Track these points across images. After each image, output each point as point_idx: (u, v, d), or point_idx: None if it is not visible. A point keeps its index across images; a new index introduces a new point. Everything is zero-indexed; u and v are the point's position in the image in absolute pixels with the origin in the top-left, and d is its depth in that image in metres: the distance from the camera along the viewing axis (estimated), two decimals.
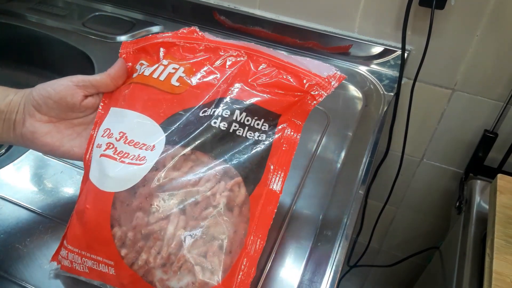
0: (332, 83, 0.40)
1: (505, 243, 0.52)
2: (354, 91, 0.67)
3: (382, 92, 0.67)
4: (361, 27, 0.68)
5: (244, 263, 0.36)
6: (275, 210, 0.37)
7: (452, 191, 0.83)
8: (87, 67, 0.71)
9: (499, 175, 0.60)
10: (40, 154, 0.52)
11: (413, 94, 0.68)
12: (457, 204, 0.73)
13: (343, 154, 0.55)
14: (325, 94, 0.40)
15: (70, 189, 0.49)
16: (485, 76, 0.66)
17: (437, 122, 0.74)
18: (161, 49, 0.44)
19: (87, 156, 0.41)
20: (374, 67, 0.70)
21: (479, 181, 0.72)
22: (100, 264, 0.37)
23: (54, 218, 0.45)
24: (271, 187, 0.38)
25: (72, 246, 0.38)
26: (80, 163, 0.51)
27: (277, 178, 0.38)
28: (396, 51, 0.67)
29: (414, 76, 0.67)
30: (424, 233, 0.95)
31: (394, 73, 0.69)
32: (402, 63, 0.66)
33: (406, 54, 0.66)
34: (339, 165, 0.54)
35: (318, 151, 0.55)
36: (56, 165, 0.51)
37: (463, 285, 0.58)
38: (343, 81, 0.68)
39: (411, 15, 0.62)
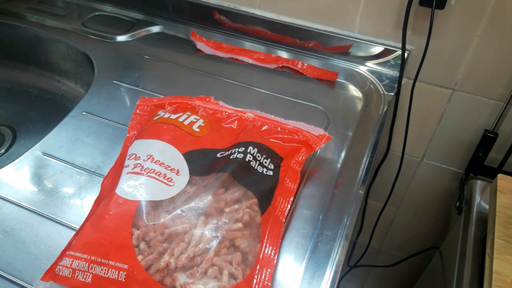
0: (322, 140, 0.49)
1: (506, 243, 0.52)
2: (354, 91, 0.67)
3: (382, 92, 0.67)
4: (361, 27, 0.68)
5: (260, 273, 0.39)
6: (282, 229, 0.43)
7: (452, 191, 0.83)
8: (87, 67, 0.71)
9: (499, 175, 0.60)
10: (40, 154, 0.52)
11: (413, 94, 0.68)
12: (457, 204, 0.73)
13: (343, 154, 0.55)
14: (317, 148, 0.49)
15: (69, 189, 0.49)
16: (485, 76, 0.66)
17: (437, 122, 0.74)
18: (180, 107, 0.54)
19: (106, 181, 0.46)
20: (374, 67, 0.70)
21: (479, 181, 0.72)
22: (110, 270, 0.37)
23: (54, 218, 0.45)
24: (277, 213, 0.44)
25: (80, 253, 0.38)
26: (80, 163, 0.51)
27: (282, 207, 0.45)
28: (396, 51, 0.67)
29: (414, 76, 0.67)
30: (424, 233, 0.95)
31: (394, 73, 0.69)
32: (402, 63, 0.66)
33: (406, 54, 0.66)
34: (339, 165, 0.54)
35: (318, 151, 0.55)
36: (56, 165, 0.51)
37: (463, 285, 0.58)
38: (343, 81, 0.69)
39: (411, 15, 0.62)
